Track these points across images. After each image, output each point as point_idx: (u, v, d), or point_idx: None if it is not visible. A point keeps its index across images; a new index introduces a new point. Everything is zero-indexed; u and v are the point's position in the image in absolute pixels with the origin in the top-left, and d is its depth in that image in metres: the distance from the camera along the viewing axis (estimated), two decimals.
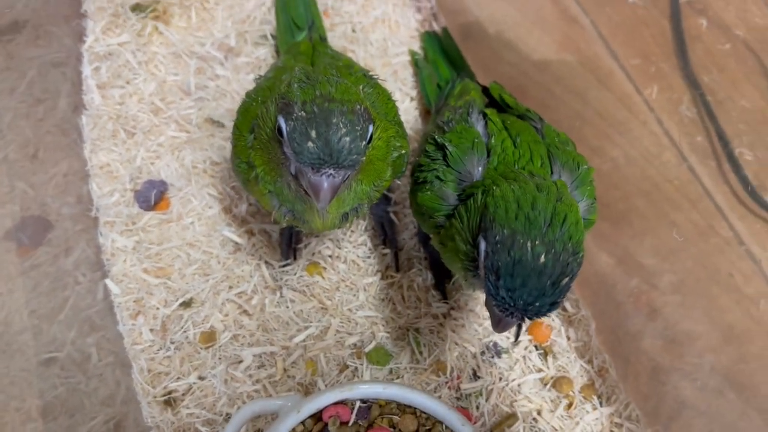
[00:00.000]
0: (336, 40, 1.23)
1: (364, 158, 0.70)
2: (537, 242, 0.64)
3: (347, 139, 0.67)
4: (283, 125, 0.68)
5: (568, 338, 1.01)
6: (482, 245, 0.67)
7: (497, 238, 0.65)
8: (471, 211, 0.72)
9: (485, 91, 1.00)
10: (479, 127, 0.84)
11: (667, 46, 1.32)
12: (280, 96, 0.72)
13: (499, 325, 0.68)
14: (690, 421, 0.99)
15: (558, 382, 0.96)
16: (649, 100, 1.28)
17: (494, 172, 0.76)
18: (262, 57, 1.21)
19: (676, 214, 1.17)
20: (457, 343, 0.98)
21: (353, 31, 1.26)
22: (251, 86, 1.16)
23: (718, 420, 0.99)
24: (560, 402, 0.95)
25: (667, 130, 1.25)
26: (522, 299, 0.64)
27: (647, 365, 1.03)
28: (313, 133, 0.66)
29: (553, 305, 0.65)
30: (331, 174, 0.67)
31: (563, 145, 0.85)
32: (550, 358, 0.98)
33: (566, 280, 0.64)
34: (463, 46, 1.25)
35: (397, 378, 0.96)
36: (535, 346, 0.99)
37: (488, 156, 0.79)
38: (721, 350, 1.04)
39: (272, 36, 1.23)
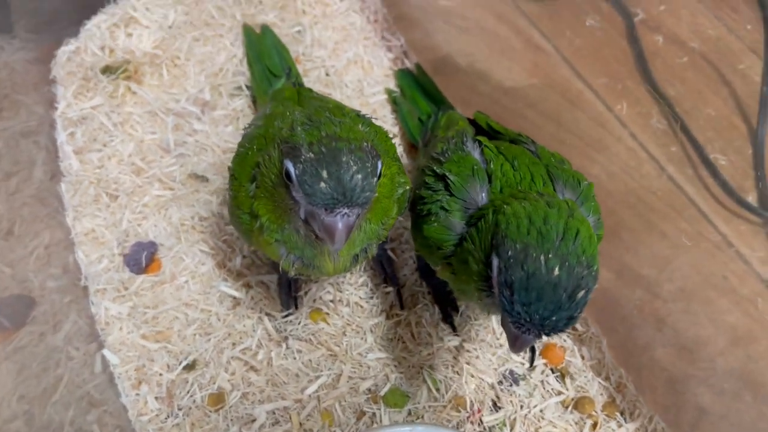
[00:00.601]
0: (311, 85, 1.23)
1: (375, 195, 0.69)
2: (550, 255, 0.63)
3: (359, 176, 0.66)
4: (292, 169, 0.67)
5: (582, 357, 1.00)
6: (495, 262, 0.66)
7: (510, 253, 0.64)
8: (482, 231, 0.71)
9: (471, 121, 1.01)
10: (476, 154, 0.84)
11: (629, 63, 1.37)
12: (283, 141, 0.71)
13: (516, 344, 0.67)
14: (712, 426, 0.99)
15: (579, 403, 0.94)
16: (620, 117, 1.31)
17: (500, 195, 0.76)
18: (239, 108, 1.20)
19: (664, 224, 1.19)
20: (473, 375, 0.96)
21: (327, 74, 1.26)
22: (231, 138, 1.16)
23: (739, 423, 0.99)
24: (585, 423, 0.93)
25: (642, 144, 1.28)
26: (538, 314, 0.62)
27: (662, 375, 1.03)
28: (325, 174, 0.65)
29: (570, 320, 0.63)
30: (345, 213, 0.66)
31: (560, 164, 0.85)
32: (567, 380, 0.97)
33: (582, 293, 0.63)
34: (436, 81, 1.26)
35: (417, 419, 0.93)
36: (552, 369, 0.98)
37: (489, 182, 0.79)
38: (729, 353, 1.04)
39: (247, 87, 1.22)
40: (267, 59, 1.19)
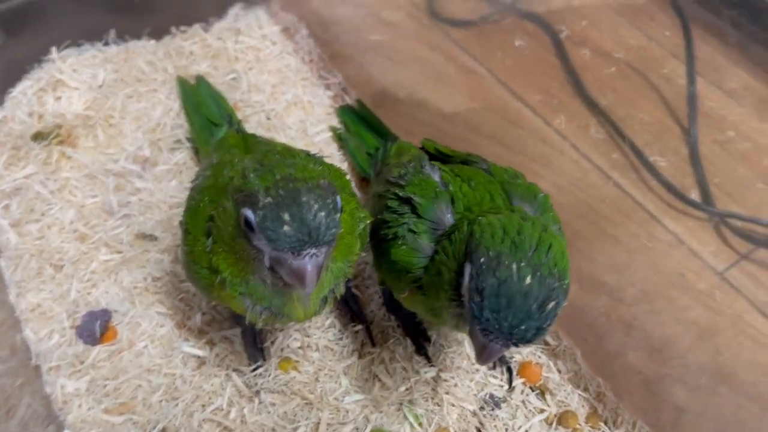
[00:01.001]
0: (252, 130, 1.20)
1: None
2: (523, 264, 0.63)
3: (322, 214, 0.64)
4: (251, 216, 0.64)
5: (559, 371, 0.99)
6: (467, 269, 0.65)
7: (482, 260, 0.64)
8: (455, 242, 0.71)
9: (420, 148, 1.01)
10: (435, 177, 0.84)
11: (561, 78, 1.40)
12: (237, 190, 0.68)
13: (483, 355, 0.66)
14: (691, 424, 0.99)
15: (563, 418, 0.94)
16: (560, 131, 1.34)
17: (468, 214, 0.76)
18: (181, 162, 1.16)
19: (617, 230, 1.21)
20: (454, 405, 0.94)
21: (268, 118, 1.24)
22: (176, 193, 1.12)
23: (718, 417, 1.00)
24: None
25: (584, 154, 1.31)
26: (507, 321, 0.62)
27: (637, 379, 1.03)
28: (287, 216, 0.63)
29: (539, 330, 0.63)
30: (313, 254, 0.64)
31: (514, 178, 0.86)
32: (548, 396, 0.96)
33: (552, 304, 0.63)
34: (378, 113, 1.27)
35: None
36: (531, 388, 0.97)
37: (452, 203, 0.79)
38: (697, 348, 1.06)
39: (187, 139, 1.19)
40: (205, 109, 1.17)
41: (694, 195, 1.23)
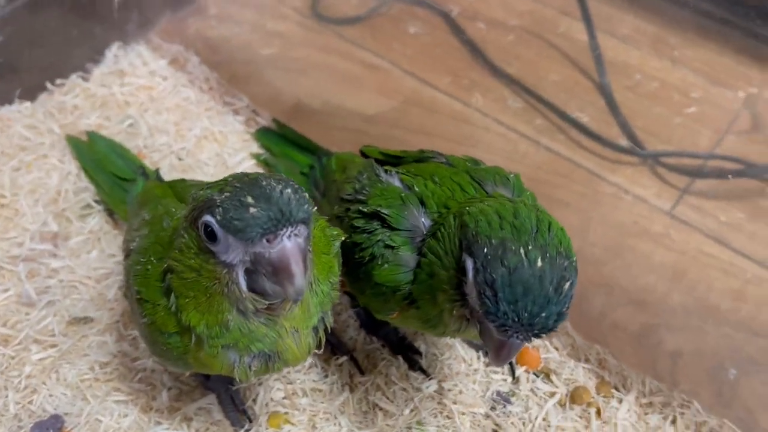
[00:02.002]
0: (166, 175, 1.09)
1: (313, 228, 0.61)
2: (530, 247, 0.58)
3: (288, 191, 0.57)
4: (211, 220, 0.57)
5: (556, 349, 0.96)
6: (469, 263, 0.60)
7: (486, 250, 0.59)
8: (444, 239, 0.66)
9: (362, 155, 0.94)
10: (396, 182, 0.78)
11: (464, 56, 1.38)
12: (190, 210, 0.61)
13: (501, 354, 0.60)
14: (689, 366, 0.99)
15: (575, 395, 0.90)
16: (479, 108, 1.32)
17: (446, 211, 0.70)
18: (96, 228, 1.04)
19: (562, 193, 1.20)
20: (464, 413, 0.89)
21: (180, 159, 1.13)
22: (100, 264, 1.00)
23: (711, 351, 1.00)
24: (589, 413, 0.89)
25: (509, 126, 1.29)
26: (527, 311, 0.57)
27: (627, 336, 1.02)
28: (249, 199, 0.56)
29: (560, 315, 0.58)
30: (291, 234, 0.56)
31: (477, 164, 0.81)
32: (554, 377, 0.93)
33: (567, 285, 0.58)
34: (296, 129, 1.19)
35: None
36: (535, 374, 0.93)
37: (423, 205, 0.73)
38: (673, 290, 1.06)
39: (96, 201, 1.06)
40: (110, 166, 1.04)
41: (623, 141, 1.24)
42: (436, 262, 0.66)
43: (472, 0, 1.47)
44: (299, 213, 0.57)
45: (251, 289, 0.59)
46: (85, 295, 0.96)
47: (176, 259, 0.63)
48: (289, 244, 0.56)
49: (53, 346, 0.90)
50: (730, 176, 1.10)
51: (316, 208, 0.60)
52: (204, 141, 1.16)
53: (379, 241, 0.72)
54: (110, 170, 1.04)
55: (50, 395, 0.86)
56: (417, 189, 0.75)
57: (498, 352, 0.61)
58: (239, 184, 0.58)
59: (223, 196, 0.57)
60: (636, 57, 1.36)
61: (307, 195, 0.59)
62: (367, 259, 0.73)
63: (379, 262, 0.72)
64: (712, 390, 0.95)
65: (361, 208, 0.76)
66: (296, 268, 0.57)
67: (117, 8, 1.24)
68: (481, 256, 0.59)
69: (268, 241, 0.56)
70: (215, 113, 1.20)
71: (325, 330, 0.70)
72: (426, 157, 0.84)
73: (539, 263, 0.58)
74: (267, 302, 0.60)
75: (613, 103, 1.26)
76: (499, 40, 1.40)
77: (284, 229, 0.56)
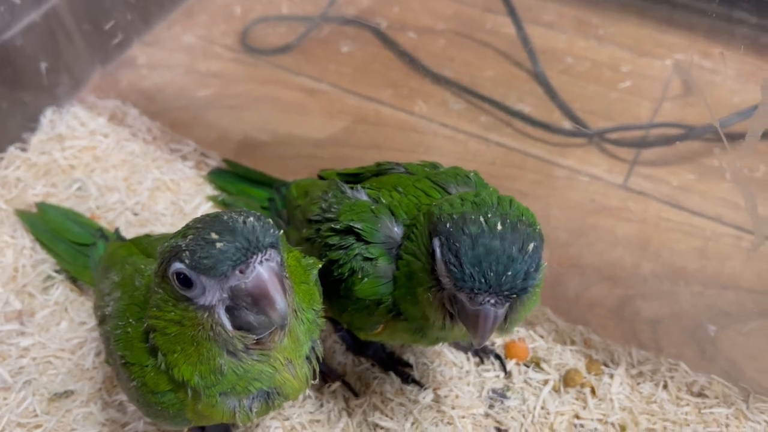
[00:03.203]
0: (126, 232, 1.07)
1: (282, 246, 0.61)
2: (490, 215, 0.61)
3: (251, 219, 0.58)
4: (179, 266, 0.57)
5: (541, 336, 0.98)
6: (435, 243, 0.62)
7: (448, 225, 0.62)
8: (416, 236, 0.67)
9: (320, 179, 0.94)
10: (362, 196, 0.78)
11: (400, 67, 1.40)
12: (158, 264, 0.60)
13: (478, 327, 0.61)
14: (670, 330, 1.02)
15: (567, 379, 0.92)
16: (423, 115, 1.34)
17: (417, 215, 0.71)
18: (61, 298, 1.01)
19: (518, 184, 1.22)
20: (464, 416, 0.89)
21: (135, 214, 1.11)
22: (72, 335, 0.97)
23: (688, 313, 1.03)
24: (584, 393, 0.91)
25: (455, 128, 1.31)
26: (492, 270, 0.58)
27: (608, 311, 1.04)
28: (213, 235, 0.56)
29: (527, 275, 0.59)
30: (263, 260, 0.56)
31: (435, 168, 0.83)
32: (544, 365, 0.94)
33: (531, 245, 0.60)
34: (248, 165, 1.18)
35: None
36: (525, 365, 0.94)
37: (393, 214, 0.74)
38: (642, 259, 1.09)
39: (57, 272, 1.03)
40: (66, 234, 1.02)
41: (567, 124, 1.27)
42: (412, 261, 0.67)
43: (398, 11, 1.50)
44: (266, 238, 0.57)
45: (236, 326, 0.59)
46: (61, 368, 0.93)
47: (155, 317, 0.62)
48: (262, 270, 0.56)
49: (38, 426, 0.87)
50: (677, 142, 1.14)
51: (282, 231, 0.60)
52: (157, 192, 1.14)
53: (357, 255, 0.72)
54: (67, 238, 1.01)
55: None
56: (384, 201, 0.76)
57: (475, 326, 0.61)
58: (201, 224, 0.58)
59: (188, 240, 0.57)
60: (563, 41, 1.41)
61: (270, 221, 0.59)
62: (346, 274, 0.73)
63: (360, 276, 0.72)
64: (695, 349, 0.98)
65: (333, 225, 0.76)
66: (275, 292, 0.56)
67: (45, 73, 1.22)
68: (444, 232, 0.61)
69: (241, 272, 0.56)
70: (163, 162, 1.18)
71: (317, 359, 0.70)
72: (384, 169, 0.85)
73: (500, 227, 0.60)
74: (255, 337, 0.59)
75: (550, 90, 1.29)
76: (431, 46, 1.42)
77: (254, 257, 0.56)
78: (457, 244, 0.60)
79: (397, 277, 0.71)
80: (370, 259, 0.72)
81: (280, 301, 0.56)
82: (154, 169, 1.17)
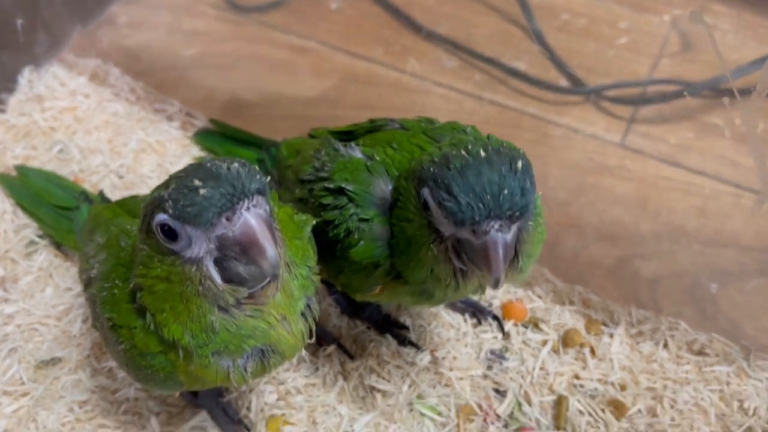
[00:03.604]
0: (111, 195, 1.03)
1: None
2: (470, 147, 0.60)
3: (235, 165, 0.55)
4: (163, 218, 0.54)
5: (540, 297, 0.96)
6: (425, 193, 0.61)
7: (432, 169, 0.60)
8: (404, 200, 0.66)
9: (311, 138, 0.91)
10: (356, 153, 0.75)
11: (392, 24, 1.36)
12: (142, 217, 0.58)
13: (489, 258, 0.58)
14: (668, 289, 1.01)
15: (566, 339, 0.90)
16: (416, 73, 1.30)
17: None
18: (44, 264, 0.98)
19: (515, 143, 1.19)
20: (462, 378, 0.88)
21: (120, 177, 1.08)
22: (57, 300, 0.94)
23: (686, 271, 1.02)
24: (583, 353, 0.89)
25: (449, 86, 1.28)
26: (487, 192, 0.57)
27: (606, 271, 1.03)
28: (196, 181, 0.54)
29: (523, 191, 0.57)
30: (249, 206, 0.54)
31: (432, 123, 0.80)
32: (543, 325, 0.92)
33: (520, 163, 0.58)
34: (237, 125, 1.14)
35: None
36: (523, 326, 0.93)
37: (387, 173, 0.71)
38: (641, 218, 1.07)
39: (40, 237, 1.00)
40: (48, 198, 0.98)
41: (563, 82, 1.24)
42: (406, 226, 0.65)
43: None
44: (252, 184, 0.54)
45: (226, 280, 0.56)
46: (47, 335, 0.91)
47: (142, 275, 0.59)
48: (249, 216, 0.54)
49: (25, 394, 0.85)
50: (686, 93, 1.10)
51: (270, 178, 0.58)
52: (142, 154, 1.10)
53: (352, 215, 0.70)
54: (49, 202, 0.98)
55: None
56: (377, 157, 0.73)
57: (487, 260, 0.58)
58: (183, 173, 0.56)
59: (170, 189, 0.54)
60: None
61: (257, 167, 0.57)
62: (342, 235, 0.71)
63: (356, 237, 0.69)
64: (695, 308, 0.97)
65: (326, 185, 0.73)
66: (264, 239, 0.54)
67: (21, 30, 1.16)
68: (430, 176, 0.60)
69: (227, 219, 0.53)
70: (148, 123, 1.14)
71: (313, 317, 0.67)
72: (378, 125, 0.82)
73: (483, 154, 0.59)
74: (246, 290, 0.57)
75: (547, 47, 1.26)
76: (424, 2, 1.37)
77: (240, 203, 0.53)
78: (446, 181, 0.58)
79: (395, 245, 0.68)
80: (366, 220, 0.69)
81: (269, 248, 0.54)
82: (138, 130, 1.13)
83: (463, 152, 0.59)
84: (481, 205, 0.56)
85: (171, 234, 0.54)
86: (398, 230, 0.67)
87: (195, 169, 0.55)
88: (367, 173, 0.71)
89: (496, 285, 0.60)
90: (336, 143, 0.78)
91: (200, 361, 0.60)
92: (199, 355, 0.60)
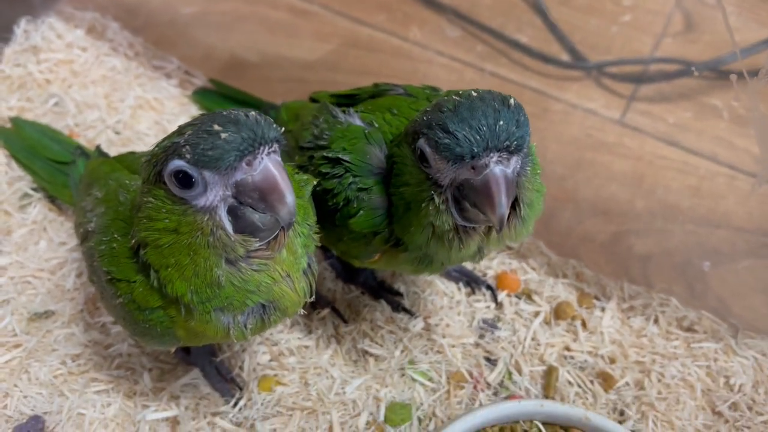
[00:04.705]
0: (108, 152, 1.02)
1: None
2: (461, 92, 0.61)
3: (253, 113, 0.55)
4: (179, 164, 0.53)
5: (534, 269, 0.97)
6: (422, 142, 0.61)
7: (426, 118, 0.61)
8: (399, 163, 0.66)
9: (312, 101, 0.90)
10: (356, 120, 0.75)
11: None
12: (149, 165, 0.57)
13: (492, 194, 0.58)
14: (660, 266, 1.02)
15: (558, 311, 0.91)
16: (418, 41, 1.29)
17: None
18: (39, 217, 0.97)
19: None
20: (454, 345, 0.89)
21: (117, 133, 1.06)
22: (51, 254, 0.94)
23: (678, 250, 1.03)
24: (575, 326, 0.90)
25: (451, 56, 1.27)
26: (483, 124, 0.57)
27: (600, 246, 1.04)
28: (217, 126, 0.53)
29: (518, 123, 0.58)
30: (270, 152, 0.54)
31: (436, 91, 0.79)
32: (535, 297, 0.93)
33: (512, 100, 0.59)
34: (235, 86, 1.13)
35: (429, 420, 0.83)
36: (516, 297, 0.94)
37: (384, 140, 0.71)
38: (636, 196, 1.08)
39: (34, 189, 0.99)
40: (43, 151, 0.97)
41: (565, 57, 1.24)
42: (404, 189, 0.65)
43: None
44: (271, 132, 0.54)
45: (238, 231, 0.56)
46: (41, 288, 0.90)
47: (146, 229, 0.58)
48: (270, 162, 0.54)
49: (17, 346, 0.85)
50: (694, 69, 1.10)
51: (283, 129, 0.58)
52: (140, 111, 1.09)
53: (351, 184, 0.70)
54: (45, 155, 0.96)
55: (24, 397, 0.81)
56: (376, 123, 0.73)
57: (490, 196, 0.58)
58: (197, 121, 0.55)
59: (187, 135, 0.54)
60: None
61: (276, 124, 0.56)
62: (341, 204, 0.70)
63: (355, 206, 0.69)
64: (685, 285, 0.98)
65: (325, 153, 0.72)
66: (285, 185, 0.54)
67: None
68: (424, 125, 0.61)
69: (248, 164, 0.53)
70: (146, 80, 1.13)
71: (313, 275, 0.67)
72: (382, 90, 0.81)
73: (474, 94, 0.60)
74: (257, 241, 0.57)
75: (549, 21, 1.25)
76: None
77: (261, 147, 0.53)
78: (441, 121, 0.59)
79: (393, 211, 0.68)
80: (365, 189, 0.69)
81: (289, 195, 0.54)
82: (136, 86, 1.11)
83: (454, 97, 0.60)
84: (478, 137, 0.57)
85: (186, 181, 0.53)
86: (398, 197, 0.67)
87: (212, 116, 0.55)
88: (365, 141, 0.71)
89: (500, 225, 0.59)
90: (335, 110, 0.77)
91: (201, 318, 0.60)
92: (201, 311, 0.60)
